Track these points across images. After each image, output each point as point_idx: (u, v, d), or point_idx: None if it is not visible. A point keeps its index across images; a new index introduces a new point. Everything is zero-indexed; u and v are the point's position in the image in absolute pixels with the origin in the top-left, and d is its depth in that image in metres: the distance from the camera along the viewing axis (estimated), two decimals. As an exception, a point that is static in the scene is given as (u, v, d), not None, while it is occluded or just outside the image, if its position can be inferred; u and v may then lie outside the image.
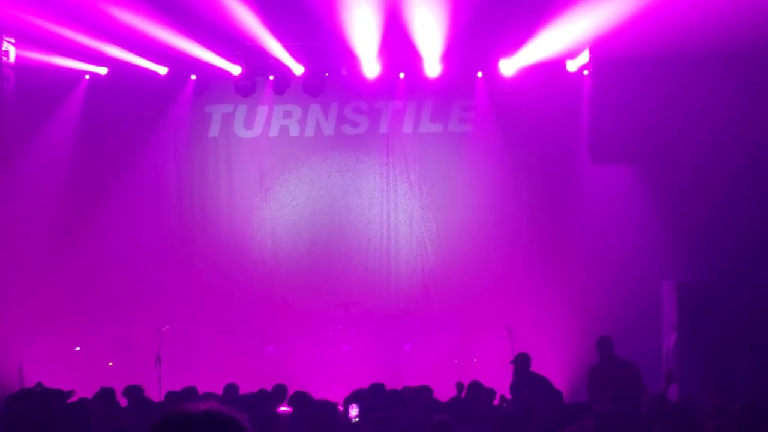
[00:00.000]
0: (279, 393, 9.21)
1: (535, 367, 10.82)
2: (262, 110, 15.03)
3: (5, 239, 13.91)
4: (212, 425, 2.37)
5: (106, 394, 8.90)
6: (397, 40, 13.69)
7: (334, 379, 12.62)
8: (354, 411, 7.99)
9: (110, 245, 14.63)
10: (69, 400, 9.08)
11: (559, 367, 12.63)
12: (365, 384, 9.46)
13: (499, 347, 13.03)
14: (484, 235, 14.44)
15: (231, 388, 9.96)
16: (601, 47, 12.79)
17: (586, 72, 13.81)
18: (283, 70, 14.50)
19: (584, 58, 13.61)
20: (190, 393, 9.08)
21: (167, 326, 13.53)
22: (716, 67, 12.17)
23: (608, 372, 10.02)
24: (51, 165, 14.55)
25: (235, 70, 14.46)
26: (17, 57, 13.58)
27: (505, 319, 13.40)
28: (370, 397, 8.59)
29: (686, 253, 12.98)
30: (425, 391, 9.29)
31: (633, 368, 10.03)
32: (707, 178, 12.74)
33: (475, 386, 9.42)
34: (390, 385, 9.82)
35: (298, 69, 14.44)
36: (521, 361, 10.61)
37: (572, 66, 14.03)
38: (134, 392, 9.50)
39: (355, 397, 8.38)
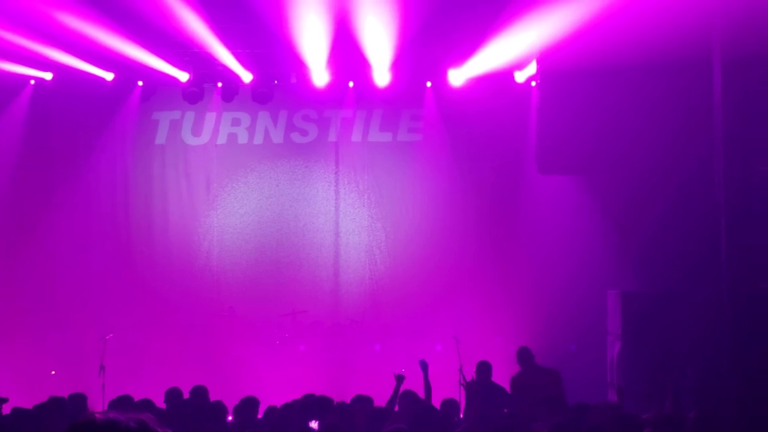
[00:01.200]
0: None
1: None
2: (210, 117, 14.93)
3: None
4: None
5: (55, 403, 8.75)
6: (346, 49, 13.70)
7: (280, 388, 12.50)
8: (314, 425, 7.93)
9: (55, 252, 14.40)
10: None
11: (505, 376, 12.65)
12: (312, 391, 9.38)
13: (447, 356, 13.03)
14: (432, 244, 14.49)
15: (174, 393, 9.77)
16: (549, 59, 12.88)
17: (533, 83, 13.93)
18: (231, 78, 14.42)
19: (532, 69, 13.73)
20: (124, 401, 8.92)
21: (111, 334, 13.32)
22: (663, 77, 12.32)
23: (530, 380, 10.12)
24: (-5, 170, 14.31)
25: (183, 76, 14.34)
26: (-40, 61, 13.36)
27: (452, 329, 13.41)
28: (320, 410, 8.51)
29: (631, 262, 13.11)
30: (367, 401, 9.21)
31: (554, 375, 10.15)
32: (652, 189, 12.88)
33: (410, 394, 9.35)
34: (337, 394, 9.74)
35: (246, 76, 14.37)
36: (483, 370, 10.54)
37: (520, 77, 14.15)
38: (77, 401, 9.34)
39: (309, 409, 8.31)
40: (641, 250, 13.10)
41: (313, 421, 7.85)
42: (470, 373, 10.66)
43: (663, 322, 12.10)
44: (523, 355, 10.41)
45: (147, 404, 8.56)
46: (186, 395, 9.62)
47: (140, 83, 14.72)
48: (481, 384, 10.27)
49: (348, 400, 9.14)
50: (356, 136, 14.89)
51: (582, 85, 12.63)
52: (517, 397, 9.89)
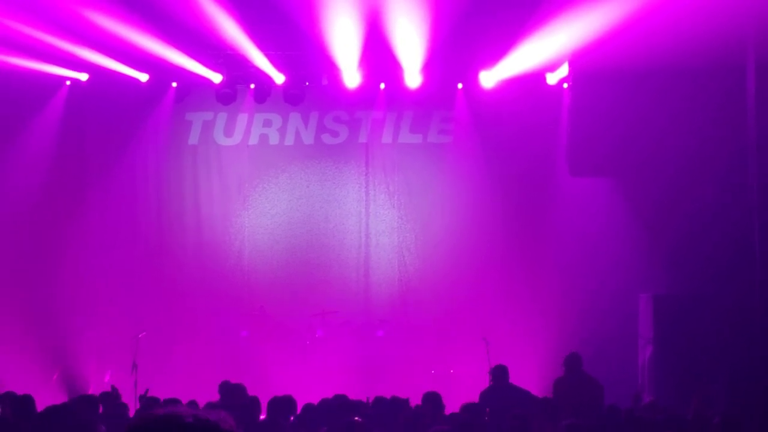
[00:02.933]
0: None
1: (512, 378, 10.79)
2: (243, 118, 15.04)
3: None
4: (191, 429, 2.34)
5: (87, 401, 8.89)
6: (377, 50, 13.75)
7: (310, 388, 12.56)
8: None
9: (89, 251, 14.56)
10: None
11: (535, 379, 12.63)
12: (342, 391, 9.43)
13: (476, 358, 13.04)
14: (461, 246, 14.49)
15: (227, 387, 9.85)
16: (581, 61, 12.86)
17: (565, 85, 13.89)
18: (264, 79, 14.52)
19: (564, 71, 13.70)
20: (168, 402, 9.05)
21: (144, 333, 13.47)
22: (695, 78, 12.25)
23: (572, 386, 10.01)
24: (30, 170, 14.50)
25: (216, 78, 14.47)
26: (-2, 62, 13.57)
27: (482, 330, 13.41)
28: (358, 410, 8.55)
29: (663, 265, 13.02)
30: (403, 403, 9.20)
31: (597, 386, 10.03)
32: (683, 191, 12.79)
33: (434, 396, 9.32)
34: (365, 394, 9.78)
35: (279, 78, 14.47)
36: (499, 373, 10.54)
37: (552, 79, 14.12)
38: (110, 399, 9.48)
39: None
40: (672, 253, 13.01)
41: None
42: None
43: (695, 326, 12.02)
44: (571, 361, 10.27)
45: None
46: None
47: (174, 84, 14.86)
48: (496, 387, 10.21)
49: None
50: (387, 138, 14.93)
51: (614, 87, 12.59)
52: (559, 399, 9.78)
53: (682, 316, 12.12)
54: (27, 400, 8.75)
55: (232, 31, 13.44)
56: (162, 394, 9.92)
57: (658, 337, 12.19)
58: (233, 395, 9.36)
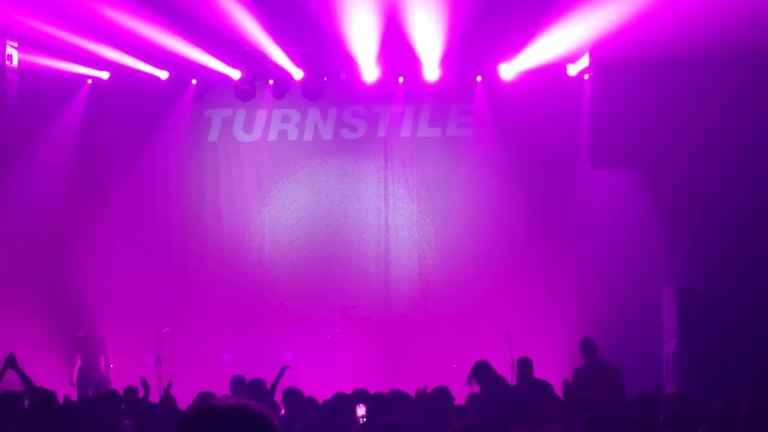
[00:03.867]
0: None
1: (535, 373, 10.70)
2: (262, 114, 15.08)
3: (7, 243, 13.98)
4: (241, 419, 2.35)
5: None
6: (396, 44, 13.72)
7: (331, 383, 12.55)
8: (361, 411, 7.99)
9: (111, 248, 14.65)
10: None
11: (557, 372, 12.52)
12: (362, 386, 9.40)
13: (499, 352, 12.95)
14: (482, 239, 14.41)
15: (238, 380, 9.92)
16: (602, 51, 12.75)
17: (586, 76, 13.76)
18: (282, 75, 14.55)
19: (584, 62, 13.58)
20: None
21: (167, 329, 13.54)
22: (716, 69, 12.13)
23: (591, 374, 9.91)
24: (53, 168, 14.61)
25: (235, 74, 14.52)
26: (20, 61, 13.67)
27: (503, 324, 13.34)
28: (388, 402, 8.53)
29: (686, 257, 12.89)
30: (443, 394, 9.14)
31: (616, 372, 9.93)
32: (707, 182, 12.66)
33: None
34: (387, 389, 9.74)
35: (297, 73, 14.48)
36: (523, 366, 10.44)
37: (572, 70, 14.01)
38: (133, 393, 9.53)
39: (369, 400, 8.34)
40: (695, 245, 12.89)
41: (360, 407, 7.89)
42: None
43: (719, 318, 11.89)
44: (586, 346, 10.18)
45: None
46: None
47: (194, 81, 14.93)
48: (520, 380, 10.13)
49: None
50: (405, 132, 14.90)
51: (635, 78, 12.48)
52: (580, 389, 9.65)
53: (707, 309, 12.00)
54: (49, 395, 8.84)
55: (250, 27, 13.48)
56: (185, 389, 9.96)
57: (682, 329, 12.06)
58: (241, 389, 9.40)
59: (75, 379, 13.15)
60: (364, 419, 7.82)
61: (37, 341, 13.21)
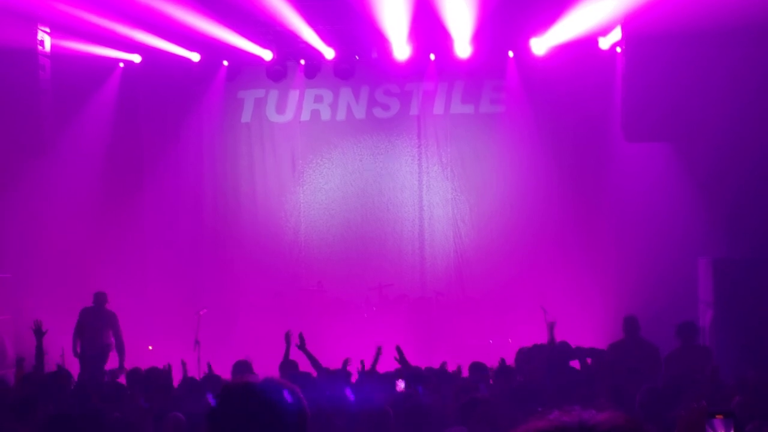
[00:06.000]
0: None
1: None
2: (294, 95, 15.12)
3: (42, 228, 14.16)
4: (268, 395, 2.47)
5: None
6: (427, 21, 13.68)
7: (368, 361, 12.65)
8: (401, 385, 8.09)
9: (146, 231, 14.85)
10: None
11: (594, 346, 12.55)
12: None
13: (535, 327, 12.98)
14: (517, 215, 14.42)
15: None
16: (634, 23, 12.65)
17: (618, 49, 13.66)
18: (314, 54, 14.56)
19: (616, 35, 13.48)
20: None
21: (205, 310, 13.68)
22: (750, 39, 11.99)
23: (628, 351, 9.89)
24: (87, 152, 14.75)
25: (267, 55, 14.56)
26: (52, 46, 13.81)
27: (539, 299, 13.34)
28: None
29: (722, 229, 12.84)
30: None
31: (653, 351, 9.91)
32: (741, 154, 12.57)
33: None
34: (424, 366, 9.83)
35: (328, 53, 14.49)
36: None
37: (604, 43, 13.90)
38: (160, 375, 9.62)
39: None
40: (732, 216, 12.82)
41: (400, 382, 7.98)
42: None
43: (755, 289, 11.84)
44: (629, 323, 10.17)
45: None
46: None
47: (225, 63, 15.00)
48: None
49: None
50: (438, 109, 14.88)
51: (668, 50, 12.38)
52: (615, 364, 9.65)
53: (742, 280, 11.93)
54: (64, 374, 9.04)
55: (281, 7, 13.49)
56: (224, 370, 10.06)
57: (718, 301, 12.03)
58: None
59: (79, 350, 12.88)
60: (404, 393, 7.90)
61: (70, 324, 13.36)
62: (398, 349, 9.46)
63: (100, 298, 12.51)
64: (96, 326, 12.45)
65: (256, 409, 2.45)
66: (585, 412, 2.02)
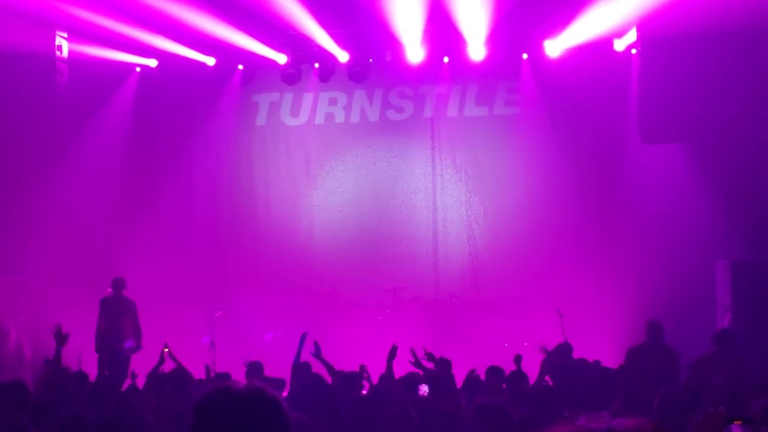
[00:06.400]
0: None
1: (587, 350, 10.66)
2: (308, 98, 15.17)
3: (60, 231, 14.24)
4: (253, 402, 2.46)
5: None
6: (440, 24, 13.69)
7: (382, 364, 12.63)
8: (425, 389, 8.09)
9: (162, 234, 14.88)
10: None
11: (610, 351, 12.49)
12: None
13: (550, 331, 12.92)
14: (531, 218, 14.36)
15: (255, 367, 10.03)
16: (649, 25, 12.59)
17: (633, 51, 13.61)
18: (327, 58, 14.60)
19: (632, 36, 13.43)
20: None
21: (220, 312, 13.73)
22: (766, 42, 11.90)
23: (647, 354, 9.78)
24: (104, 156, 14.83)
25: (281, 58, 14.60)
26: (70, 51, 13.94)
27: (555, 303, 13.28)
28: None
29: (740, 232, 12.74)
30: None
31: (674, 357, 9.79)
32: (759, 156, 12.48)
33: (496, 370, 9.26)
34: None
35: (342, 56, 14.52)
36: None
37: (620, 45, 13.85)
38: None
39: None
40: (749, 220, 12.73)
41: (423, 386, 7.97)
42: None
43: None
44: (652, 329, 10.03)
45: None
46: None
47: (240, 67, 15.07)
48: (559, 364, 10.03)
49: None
50: (452, 111, 14.88)
51: (684, 51, 12.30)
52: (633, 369, 9.53)
53: (761, 284, 11.86)
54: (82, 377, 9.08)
55: (295, 11, 13.53)
56: (238, 373, 10.09)
57: (736, 304, 11.95)
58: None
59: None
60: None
61: (86, 325, 13.42)
62: (413, 352, 9.40)
63: (118, 284, 12.53)
64: (114, 314, 12.47)
65: (235, 416, 2.43)
66: (613, 418, 2.01)
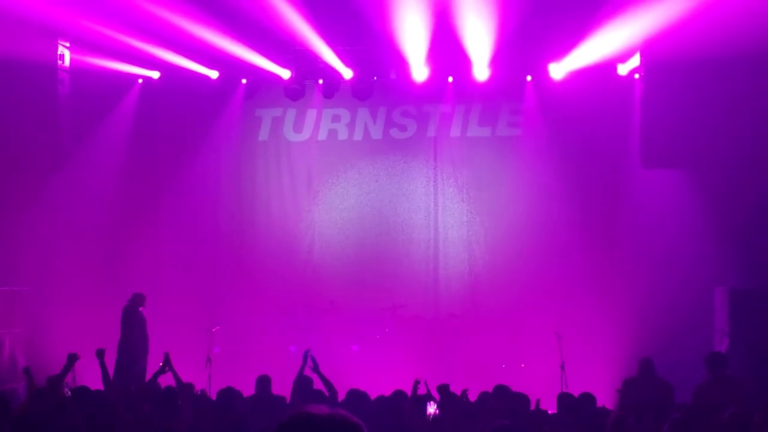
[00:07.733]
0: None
1: (585, 374, 10.71)
2: (312, 114, 15.17)
3: (60, 242, 14.20)
4: (337, 429, 2.42)
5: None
6: (445, 44, 13.73)
7: (380, 381, 12.61)
8: (431, 408, 8.09)
9: (163, 248, 14.83)
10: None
11: (606, 373, 12.51)
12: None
13: (548, 353, 12.94)
14: (532, 239, 14.38)
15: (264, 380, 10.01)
16: (652, 50, 12.69)
17: (637, 75, 13.67)
18: (332, 74, 14.61)
19: (635, 61, 13.50)
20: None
21: (218, 327, 13.68)
22: (769, 68, 12.00)
23: (643, 389, 9.79)
24: (104, 167, 14.82)
25: (285, 74, 14.61)
26: (72, 61, 13.93)
27: (553, 325, 13.29)
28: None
29: (738, 259, 12.80)
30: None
31: (667, 388, 9.80)
32: (760, 183, 12.55)
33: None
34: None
35: (347, 73, 14.54)
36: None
37: (623, 69, 13.91)
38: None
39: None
40: (748, 246, 12.80)
41: (431, 404, 7.97)
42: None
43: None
44: (645, 366, 10.07)
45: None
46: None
47: (244, 81, 15.07)
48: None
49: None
50: (455, 131, 14.90)
51: (688, 77, 12.39)
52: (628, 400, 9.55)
53: (758, 310, 11.92)
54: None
55: (300, 27, 13.57)
56: (238, 386, 10.04)
57: (733, 330, 11.99)
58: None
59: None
60: (433, 417, 7.90)
61: (89, 339, 13.37)
62: (425, 384, 9.26)
63: (136, 300, 12.58)
64: (127, 326, 12.60)
65: None
66: None
